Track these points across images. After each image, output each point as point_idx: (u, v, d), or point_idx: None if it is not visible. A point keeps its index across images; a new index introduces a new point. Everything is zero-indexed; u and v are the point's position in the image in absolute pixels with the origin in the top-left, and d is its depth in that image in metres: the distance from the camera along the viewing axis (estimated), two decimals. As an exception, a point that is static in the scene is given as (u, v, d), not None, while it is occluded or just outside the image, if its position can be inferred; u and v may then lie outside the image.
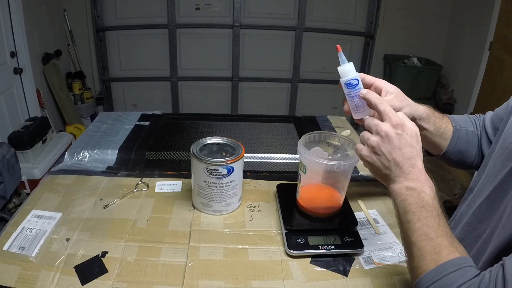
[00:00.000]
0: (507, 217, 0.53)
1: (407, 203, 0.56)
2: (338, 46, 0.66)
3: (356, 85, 0.66)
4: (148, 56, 3.32)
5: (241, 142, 0.84)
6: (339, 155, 0.80)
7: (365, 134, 0.61)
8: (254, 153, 1.10)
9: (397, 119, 0.57)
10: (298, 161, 0.77)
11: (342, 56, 0.66)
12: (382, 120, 0.59)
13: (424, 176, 0.57)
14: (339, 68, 0.66)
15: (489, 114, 0.80)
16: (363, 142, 0.61)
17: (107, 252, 0.71)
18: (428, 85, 3.35)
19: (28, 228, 0.76)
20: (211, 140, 0.85)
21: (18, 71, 2.43)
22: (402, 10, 3.37)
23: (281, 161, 1.09)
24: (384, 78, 3.37)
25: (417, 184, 0.56)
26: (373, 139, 0.58)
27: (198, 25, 3.23)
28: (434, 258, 0.51)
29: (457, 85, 3.40)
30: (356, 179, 0.99)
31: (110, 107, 3.48)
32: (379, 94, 0.69)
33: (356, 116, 0.69)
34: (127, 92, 3.47)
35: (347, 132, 1.25)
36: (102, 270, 0.67)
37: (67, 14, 3.07)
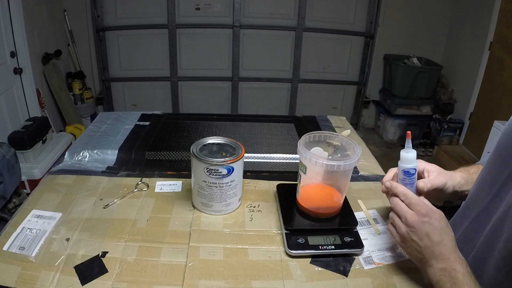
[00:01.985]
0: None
1: (441, 283, 0.59)
2: (409, 132, 0.70)
3: (413, 174, 0.69)
4: (148, 56, 3.32)
5: (241, 142, 0.84)
6: (339, 155, 0.80)
7: (395, 220, 0.65)
8: (254, 153, 1.10)
9: (423, 210, 0.61)
10: (298, 161, 0.77)
11: (409, 143, 0.69)
12: (410, 208, 0.63)
13: (454, 254, 0.59)
14: (403, 153, 0.69)
15: None
16: (394, 226, 0.65)
17: (107, 252, 0.71)
18: (428, 85, 3.35)
19: (28, 228, 0.76)
20: (211, 140, 0.85)
21: (18, 71, 2.43)
22: (402, 10, 3.37)
23: (281, 161, 1.09)
24: (384, 78, 3.38)
25: (447, 264, 0.59)
26: (403, 229, 0.63)
27: (198, 25, 3.23)
28: None
29: (457, 85, 3.40)
30: (356, 179, 0.99)
31: (110, 107, 3.48)
32: (421, 175, 0.75)
33: None
34: (127, 92, 3.47)
35: (347, 132, 1.25)
36: (102, 270, 0.67)
37: (67, 14, 3.07)
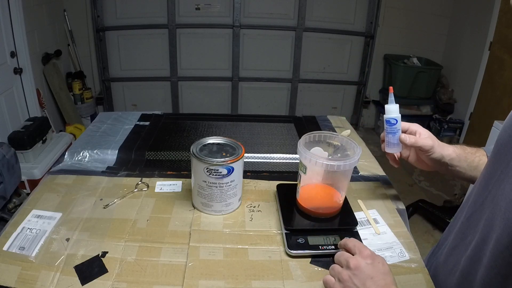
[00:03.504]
0: (502, 228, 0.52)
1: None
2: (391, 87, 0.79)
3: (394, 124, 0.77)
4: (148, 56, 3.32)
5: (241, 142, 0.84)
6: (339, 155, 0.80)
7: (336, 267, 0.60)
8: (254, 153, 1.10)
9: (367, 251, 0.60)
10: (298, 161, 0.77)
11: (391, 97, 0.77)
12: (352, 254, 0.61)
13: None
14: (386, 106, 0.77)
15: None
16: (334, 275, 0.60)
17: (107, 252, 0.71)
18: (428, 85, 3.35)
19: (28, 228, 0.76)
20: (211, 140, 0.85)
21: (18, 71, 2.43)
22: (402, 10, 3.37)
23: (281, 161, 1.09)
24: (384, 78, 3.38)
25: None
26: (345, 273, 0.58)
27: (198, 25, 3.23)
28: None
29: (457, 85, 3.40)
30: (356, 179, 0.99)
31: (110, 107, 3.48)
32: (414, 134, 0.79)
33: (386, 150, 0.81)
34: (127, 92, 3.47)
35: (347, 132, 1.25)
36: (102, 270, 0.67)
37: (67, 14, 3.07)
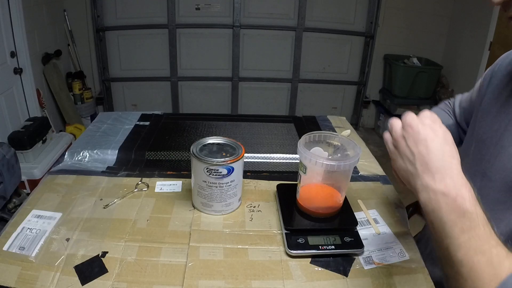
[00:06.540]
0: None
1: (441, 213, 0.45)
2: None
3: None
4: (148, 56, 3.32)
5: (241, 142, 0.84)
6: (339, 155, 0.80)
7: (395, 124, 0.54)
8: (254, 153, 1.10)
9: (429, 117, 0.50)
10: (298, 161, 0.77)
11: None
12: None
13: (460, 178, 0.46)
14: None
15: (457, 101, 0.89)
16: (390, 132, 0.55)
17: (107, 252, 0.71)
18: (428, 85, 3.35)
19: (28, 228, 0.76)
20: (211, 140, 0.85)
21: (18, 71, 2.43)
22: (402, 10, 3.37)
23: (281, 161, 1.09)
24: (384, 78, 3.38)
25: (449, 188, 0.45)
26: (398, 131, 0.52)
27: (198, 25, 3.23)
28: (493, 274, 0.41)
29: (457, 85, 3.40)
30: (356, 179, 0.99)
31: (110, 107, 3.48)
32: None
33: None
34: (127, 92, 3.47)
35: (347, 132, 1.25)
36: (102, 270, 0.67)
37: (67, 14, 3.07)
